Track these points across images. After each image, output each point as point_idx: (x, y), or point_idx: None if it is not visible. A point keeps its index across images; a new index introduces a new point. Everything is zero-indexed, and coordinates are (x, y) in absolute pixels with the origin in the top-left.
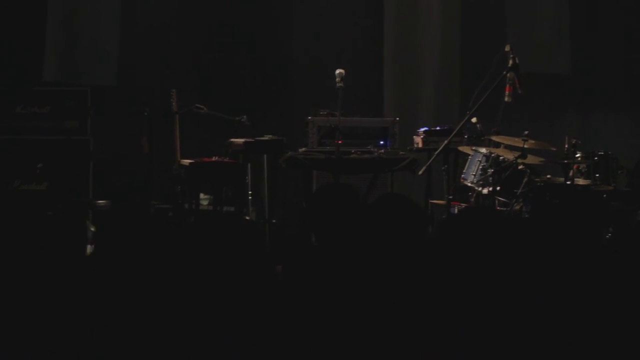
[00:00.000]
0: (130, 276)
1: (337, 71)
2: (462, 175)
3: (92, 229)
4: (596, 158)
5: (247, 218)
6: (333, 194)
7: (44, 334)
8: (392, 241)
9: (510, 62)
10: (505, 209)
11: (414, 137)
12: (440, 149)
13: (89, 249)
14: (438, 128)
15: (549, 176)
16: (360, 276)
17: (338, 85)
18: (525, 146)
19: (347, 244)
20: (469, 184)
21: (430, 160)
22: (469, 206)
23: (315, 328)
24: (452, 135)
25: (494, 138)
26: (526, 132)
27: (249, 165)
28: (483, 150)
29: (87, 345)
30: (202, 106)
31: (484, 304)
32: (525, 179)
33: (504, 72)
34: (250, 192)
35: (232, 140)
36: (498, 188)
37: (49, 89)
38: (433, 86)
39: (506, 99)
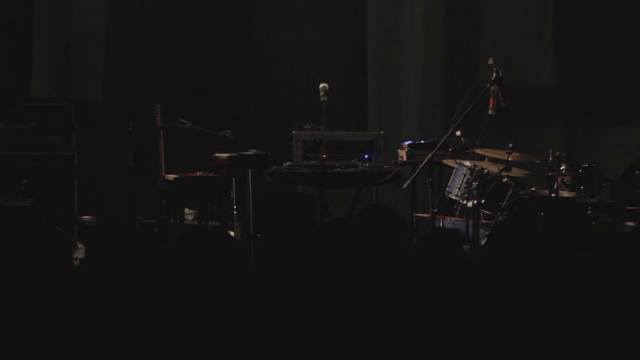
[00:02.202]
0: (116, 291)
1: (321, 85)
2: (447, 189)
3: (80, 246)
4: (580, 170)
5: (232, 233)
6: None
7: (28, 350)
8: (374, 251)
9: (494, 75)
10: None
11: (399, 150)
12: (425, 162)
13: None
14: (422, 141)
15: (533, 189)
16: (343, 286)
17: (322, 99)
18: (510, 159)
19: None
20: (454, 197)
21: (415, 174)
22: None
23: (299, 340)
24: (436, 149)
25: (478, 151)
26: (510, 145)
27: (233, 179)
28: (467, 163)
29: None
30: (186, 121)
31: (466, 316)
32: (510, 192)
33: (488, 85)
34: (235, 207)
35: (217, 155)
36: (483, 201)
37: (33, 105)
38: (417, 100)
39: (490, 111)
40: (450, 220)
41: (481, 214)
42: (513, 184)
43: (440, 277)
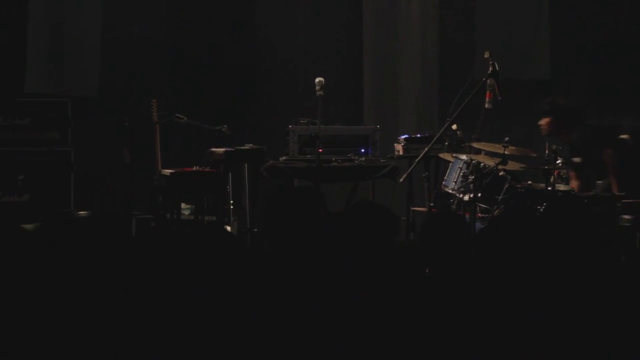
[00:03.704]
0: (114, 286)
1: (317, 79)
2: (443, 182)
3: None
4: None
5: (228, 228)
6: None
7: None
8: (361, 248)
9: (490, 68)
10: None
11: (395, 144)
12: (421, 156)
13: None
14: (418, 135)
15: (529, 182)
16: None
17: (318, 93)
18: (506, 152)
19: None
20: (450, 191)
21: (411, 168)
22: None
23: (298, 337)
24: (432, 143)
25: (475, 145)
26: (507, 139)
27: (229, 174)
28: (464, 157)
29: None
30: (182, 116)
31: (463, 310)
32: (506, 185)
33: (484, 79)
34: (231, 202)
35: (213, 149)
36: (479, 194)
37: (29, 100)
38: (413, 93)
39: (486, 105)
40: None
41: (478, 208)
42: (509, 177)
43: (437, 271)
